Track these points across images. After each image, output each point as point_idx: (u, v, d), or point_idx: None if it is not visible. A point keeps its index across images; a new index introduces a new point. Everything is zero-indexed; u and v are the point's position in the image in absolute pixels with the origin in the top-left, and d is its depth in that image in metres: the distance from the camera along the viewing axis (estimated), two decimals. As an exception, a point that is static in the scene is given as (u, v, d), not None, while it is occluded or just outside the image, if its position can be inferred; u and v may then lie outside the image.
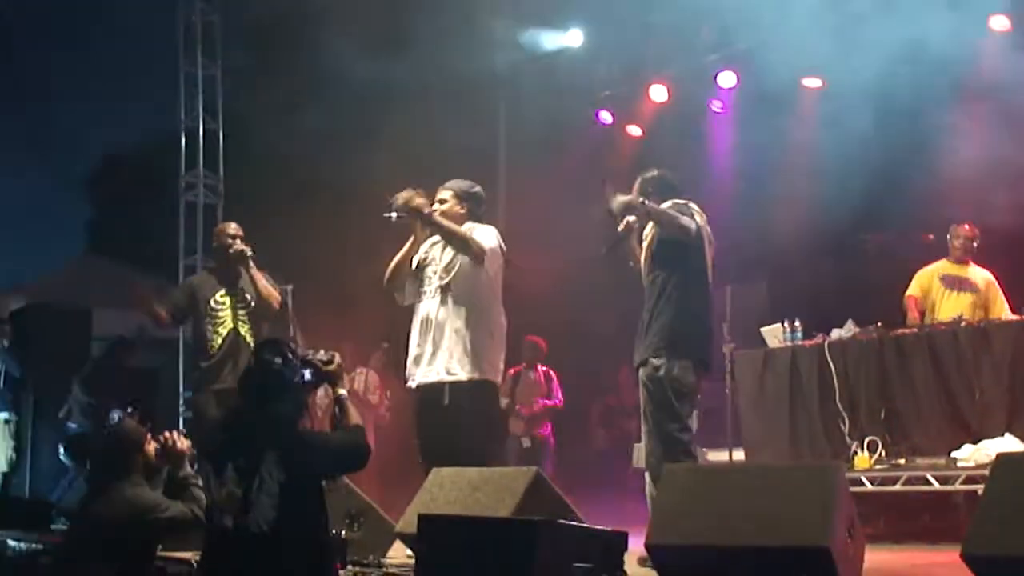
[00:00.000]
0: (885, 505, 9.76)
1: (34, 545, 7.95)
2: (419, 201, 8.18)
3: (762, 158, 14.42)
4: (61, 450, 12.41)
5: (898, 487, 9.11)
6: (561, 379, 14.11)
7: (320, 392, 6.59)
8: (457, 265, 8.26)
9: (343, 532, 7.41)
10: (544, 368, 14.04)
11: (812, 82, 14.23)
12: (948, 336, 9.55)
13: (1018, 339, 9.12)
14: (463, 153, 14.38)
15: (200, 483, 6.80)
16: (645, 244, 8.05)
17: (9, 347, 13.57)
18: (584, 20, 15.75)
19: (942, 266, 10.95)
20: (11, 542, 8.23)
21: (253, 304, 9.58)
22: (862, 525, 5.94)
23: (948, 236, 10.99)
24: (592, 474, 14.07)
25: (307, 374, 5.97)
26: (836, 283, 11.61)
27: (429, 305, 8.31)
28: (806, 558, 5.31)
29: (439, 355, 8.19)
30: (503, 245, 8.37)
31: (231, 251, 9.61)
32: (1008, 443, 8.54)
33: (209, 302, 9.56)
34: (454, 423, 8.06)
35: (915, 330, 10.04)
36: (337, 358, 6.15)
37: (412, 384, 8.36)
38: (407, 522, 7.13)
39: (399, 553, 7.70)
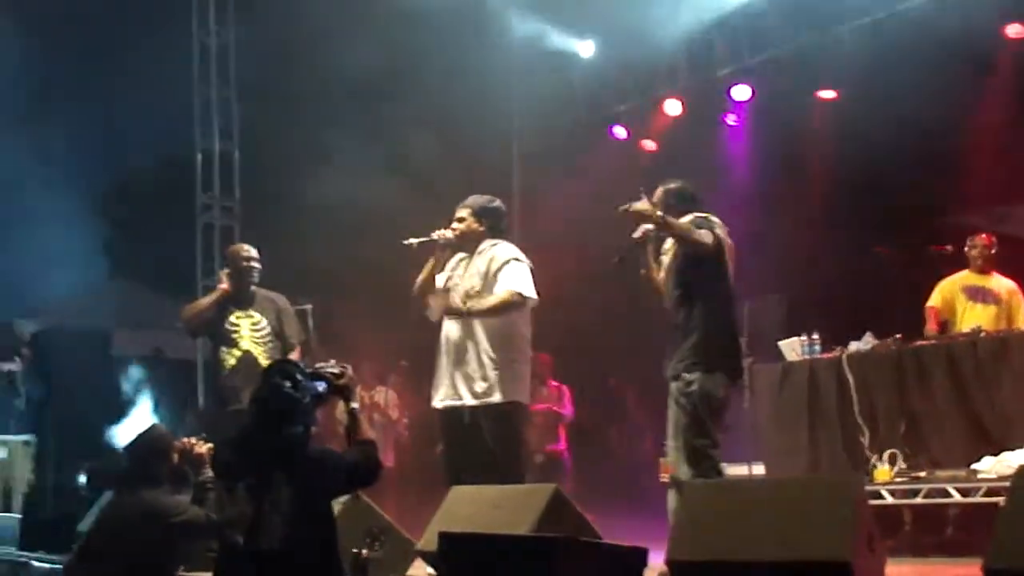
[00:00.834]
0: (906, 517, 9.74)
1: (57, 565, 7.99)
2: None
3: (777, 171, 14.42)
4: (83, 479, 12.44)
5: (919, 500, 9.09)
6: (574, 394, 14.07)
7: (340, 406, 6.60)
8: (481, 287, 8.30)
9: (364, 551, 7.40)
10: (556, 383, 13.99)
11: (827, 94, 14.23)
12: (967, 347, 9.51)
13: (1037, 349, 9.10)
14: (477, 167, 14.41)
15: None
16: (666, 258, 8.03)
17: (30, 369, 13.60)
18: (598, 33, 15.77)
19: (965, 277, 10.90)
20: (35, 563, 8.27)
21: (271, 333, 9.63)
22: (882, 538, 5.92)
23: (966, 247, 10.94)
24: (611, 490, 14.02)
25: (320, 387, 6.00)
26: (853, 296, 11.60)
27: (453, 326, 8.34)
28: (827, 573, 5.30)
29: (464, 377, 8.21)
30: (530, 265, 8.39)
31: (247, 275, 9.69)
32: (1028, 454, 8.52)
33: (224, 323, 9.60)
34: (480, 445, 8.09)
35: (934, 342, 10.00)
36: (349, 371, 6.18)
37: (438, 405, 8.38)
38: (428, 540, 7.13)
39: (420, 571, 7.70)
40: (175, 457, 7.02)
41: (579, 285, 13.95)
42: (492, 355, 8.17)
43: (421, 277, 8.49)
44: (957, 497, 8.87)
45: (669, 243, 7.98)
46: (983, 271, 10.82)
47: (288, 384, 5.76)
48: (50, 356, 14.68)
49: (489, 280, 8.31)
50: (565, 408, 13.93)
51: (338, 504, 6.85)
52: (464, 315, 8.24)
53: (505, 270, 8.28)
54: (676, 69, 15.13)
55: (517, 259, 8.37)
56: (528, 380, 8.46)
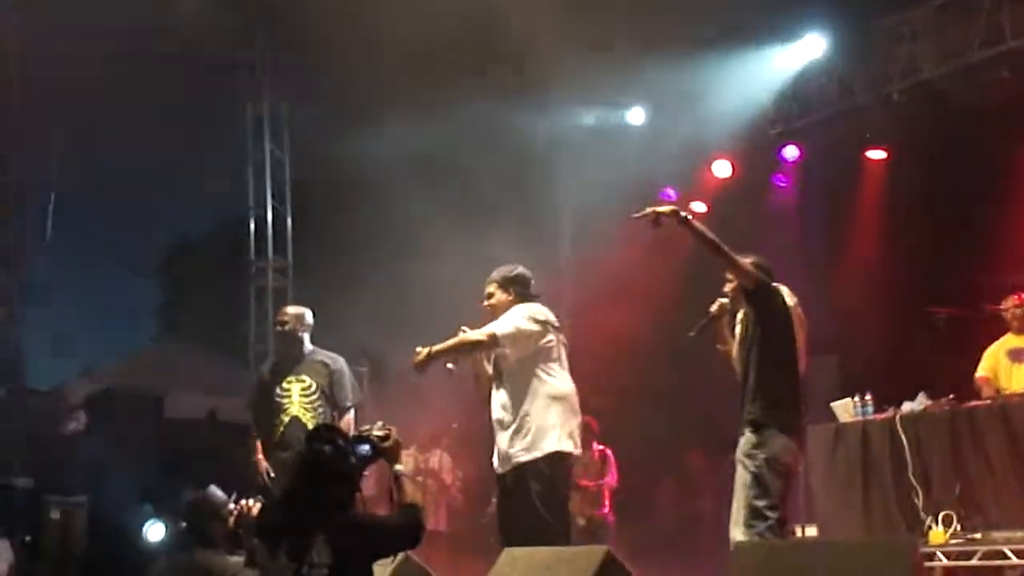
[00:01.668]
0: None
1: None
2: None
3: (828, 231, 14.41)
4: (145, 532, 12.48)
5: (975, 562, 9.00)
6: (620, 457, 14.03)
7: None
8: (507, 355, 8.33)
9: None
10: (600, 447, 13.96)
11: (876, 154, 14.23)
12: (1021, 407, 9.45)
13: (1092, 409, 9.03)
14: (527, 229, 14.46)
15: None
16: (739, 328, 8.04)
17: (85, 432, 13.72)
18: (646, 97, 15.84)
19: (1006, 340, 10.84)
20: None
21: (321, 396, 9.68)
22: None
23: (1002, 309, 10.88)
24: (660, 552, 13.94)
25: (364, 449, 6.06)
26: (906, 356, 11.54)
27: (496, 396, 8.42)
28: (882, 636, 5.27)
29: (506, 445, 8.25)
30: (546, 318, 8.39)
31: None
32: (1085, 515, 8.44)
33: (275, 392, 9.66)
34: (524, 504, 8.09)
35: (988, 402, 9.94)
36: (394, 433, 6.23)
37: (497, 473, 8.44)
38: (479, 603, 7.13)
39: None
40: (230, 520, 7.07)
41: (631, 342, 13.96)
42: (524, 414, 8.21)
43: (469, 362, 8.57)
44: (1014, 559, 8.79)
45: (741, 314, 7.99)
46: (1022, 330, 10.75)
47: (328, 448, 5.83)
48: (103, 419, 14.79)
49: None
50: (610, 475, 13.90)
51: (388, 566, 6.88)
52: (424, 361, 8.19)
53: (504, 317, 8.33)
54: (726, 130, 15.15)
55: (522, 306, 8.40)
56: (569, 427, 8.39)
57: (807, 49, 14.21)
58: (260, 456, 9.72)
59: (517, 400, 8.25)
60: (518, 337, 8.25)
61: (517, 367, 8.28)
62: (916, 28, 13.10)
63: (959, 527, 9.20)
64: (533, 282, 8.67)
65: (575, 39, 13.53)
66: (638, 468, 14.56)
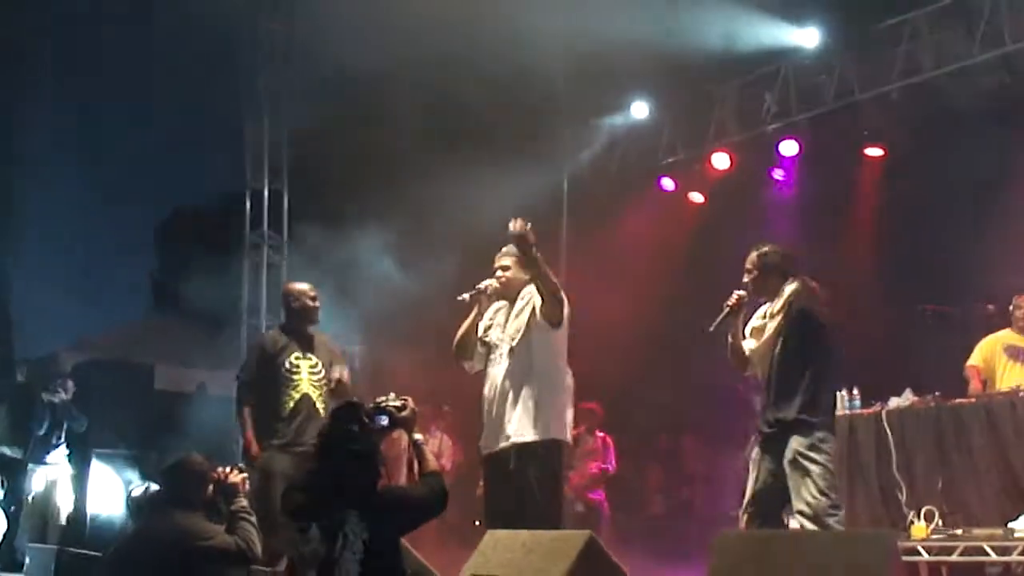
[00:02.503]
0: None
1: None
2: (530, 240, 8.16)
3: (823, 227, 14.44)
4: (125, 509, 12.51)
5: (955, 557, 9.03)
6: (617, 444, 14.10)
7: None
8: (523, 331, 8.24)
9: None
10: (602, 434, 14.02)
11: (874, 151, 14.26)
12: (1006, 406, 9.49)
13: (1077, 409, 9.07)
14: (525, 216, 14.46)
15: (252, 518, 6.98)
16: (772, 323, 8.02)
17: (71, 402, 13.72)
18: (648, 90, 15.85)
19: (1006, 336, 10.86)
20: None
21: (325, 377, 9.72)
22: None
23: (1011, 307, 10.90)
24: (648, 541, 14.00)
25: (382, 420, 6.12)
26: (894, 352, 11.59)
27: (496, 371, 8.31)
28: (858, 626, 5.30)
29: (507, 421, 8.17)
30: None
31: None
32: (1066, 515, 8.49)
33: (284, 364, 9.66)
34: (521, 486, 8.07)
35: (973, 400, 9.98)
36: (410, 403, 6.29)
37: (484, 452, 8.41)
38: (461, 583, 7.16)
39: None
40: (210, 485, 7.11)
41: (626, 332, 14.00)
42: (532, 397, 8.12)
43: (464, 328, 8.51)
44: (993, 556, 8.83)
45: (776, 307, 7.99)
46: None
47: (356, 427, 5.90)
48: (92, 389, 14.79)
49: (530, 316, 8.26)
50: (610, 461, 13.97)
51: None
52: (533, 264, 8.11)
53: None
54: (725, 123, 15.17)
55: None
56: (568, 418, 8.41)
57: (807, 45, 14.21)
58: (251, 434, 9.69)
59: (529, 379, 8.18)
60: (563, 322, 8.26)
61: (536, 350, 8.21)
62: (917, 28, 13.11)
63: (941, 523, 9.24)
64: None
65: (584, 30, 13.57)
66: (631, 454, 14.61)
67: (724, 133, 15.22)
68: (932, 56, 12.91)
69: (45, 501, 13.30)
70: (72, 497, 13.62)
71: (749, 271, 8.06)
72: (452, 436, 15.15)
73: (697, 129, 15.49)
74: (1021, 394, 9.63)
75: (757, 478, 7.93)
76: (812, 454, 7.62)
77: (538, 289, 8.13)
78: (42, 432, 13.37)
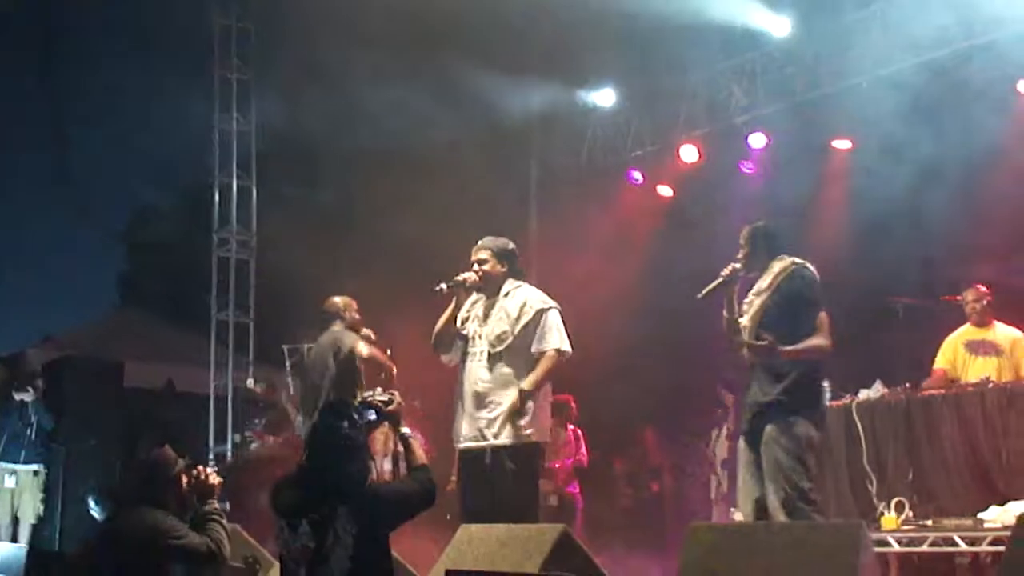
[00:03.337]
0: (912, 566, 9.75)
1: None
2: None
3: (792, 219, 14.47)
4: (92, 502, 12.45)
5: (925, 548, 9.08)
6: (588, 437, 14.10)
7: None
8: (509, 339, 8.31)
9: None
10: (573, 427, 14.02)
11: (842, 143, 14.30)
12: (975, 397, 9.54)
13: (1045, 400, 9.12)
14: (494, 209, 14.46)
15: (224, 520, 6.97)
16: (758, 299, 8.03)
17: (41, 399, 13.63)
18: (617, 80, 15.84)
19: (965, 331, 10.90)
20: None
21: None
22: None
23: (964, 301, 10.94)
24: (621, 533, 14.01)
25: (370, 415, 6.14)
26: (864, 344, 11.61)
27: (476, 368, 8.37)
28: (830, 617, 5.33)
29: (486, 423, 8.24)
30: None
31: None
32: (1035, 505, 8.53)
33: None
34: (498, 487, 8.14)
35: (942, 391, 10.02)
36: (397, 397, 6.31)
37: (459, 446, 8.44)
38: (435, 577, 7.17)
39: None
40: (184, 482, 7.09)
41: (593, 325, 14.00)
42: (513, 400, 8.17)
43: (442, 322, 8.56)
44: (963, 546, 8.88)
45: (764, 284, 7.99)
46: (981, 323, 10.80)
47: (345, 424, 5.91)
48: (62, 386, 14.71)
49: (522, 326, 8.32)
50: (581, 454, 13.97)
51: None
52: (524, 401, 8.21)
53: (545, 323, 8.33)
54: (694, 116, 15.18)
55: (553, 308, 8.42)
56: (547, 421, 8.51)
57: (775, 36, 14.22)
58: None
59: (509, 383, 8.24)
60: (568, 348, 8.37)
61: (522, 359, 8.29)
62: (886, 20, 13.15)
63: (911, 513, 9.30)
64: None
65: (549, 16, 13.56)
66: (602, 447, 14.61)
67: (692, 125, 15.23)
68: (902, 48, 12.93)
69: (16, 500, 13.21)
70: (41, 496, 13.53)
71: (742, 246, 8.06)
72: (422, 431, 15.13)
73: (665, 121, 15.50)
74: (991, 385, 9.68)
75: (744, 472, 7.94)
76: (784, 440, 7.62)
77: None
78: (12, 431, 13.29)
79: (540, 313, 8.34)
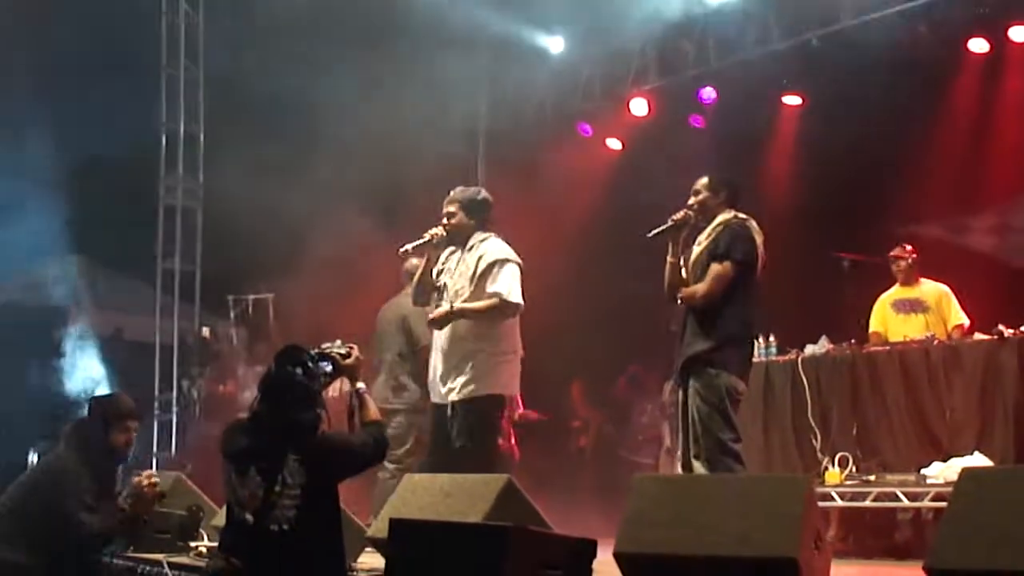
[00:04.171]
0: (855, 520, 9.84)
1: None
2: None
3: (740, 174, 14.47)
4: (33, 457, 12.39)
5: (868, 503, 9.16)
6: (534, 389, 14.11)
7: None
8: (466, 294, 8.39)
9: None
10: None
11: (792, 99, 14.31)
12: (920, 354, 9.61)
13: (989, 358, 9.18)
14: (441, 159, 14.40)
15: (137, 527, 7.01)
16: (698, 248, 8.05)
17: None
18: (567, 31, 15.75)
19: (893, 292, 11.02)
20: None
21: None
22: (831, 540, 5.98)
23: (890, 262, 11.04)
24: (566, 483, 14.05)
25: (326, 367, 6.08)
26: (811, 300, 11.66)
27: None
28: (774, 569, 5.34)
29: (451, 375, 8.35)
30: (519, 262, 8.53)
31: None
32: (977, 461, 8.61)
33: None
34: (458, 441, 8.26)
35: (887, 347, 10.10)
36: (355, 351, 6.26)
37: (433, 401, 8.60)
38: (378, 527, 7.16)
39: (371, 559, 7.70)
40: (132, 433, 7.08)
41: (540, 276, 13.99)
42: (474, 354, 8.32)
43: (417, 276, 8.70)
44: (905, 502, 8.96)
45: (704, 236, 8.00)
46: (908, 282, 10.92)
47: (299, 370, 5.86)
48: (5, 334, 14.61)
49: (476, 280, 8.39)
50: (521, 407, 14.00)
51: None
52: (447, 319, 8.35)
53: (495, 272, 8.38)
54: (644, 69, 15.13)
55: (507, 259, 8.47)
56: (511, 376, 8.56)
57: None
58: None
59: (467, 338, 8.36)
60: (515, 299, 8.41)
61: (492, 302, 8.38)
62: (837, -24, 13.15)
63: (855, 469, 9.38)
64: (492, 210, 8.79)
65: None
66: (546, 400, 14.60)
67: (643, 79, 15.18)
68: (851, 5, 12.93)
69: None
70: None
71: (696, 192, 8.06)
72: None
73: (616, 75, 15.44)
74: (935, 343, 9.75)
75: (677, 425, 8.00)
76: (705, 392, 7.70)
77: None
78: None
79: (494, 265, 8.39)
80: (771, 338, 10.41)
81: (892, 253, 10.95)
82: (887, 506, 9.19)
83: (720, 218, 7.98)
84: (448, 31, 14.03)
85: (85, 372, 14.94)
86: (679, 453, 8.17)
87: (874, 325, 10.94)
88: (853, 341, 10.24)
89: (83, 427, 7.17)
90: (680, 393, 7.99)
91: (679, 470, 8.22)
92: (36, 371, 14.96)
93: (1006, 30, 12.41)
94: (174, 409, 15.71)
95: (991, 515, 4.79)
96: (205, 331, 16.23)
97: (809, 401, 9.90)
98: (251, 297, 16.29)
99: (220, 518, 7.33)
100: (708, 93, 14.67)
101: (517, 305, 8.37)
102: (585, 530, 6.18)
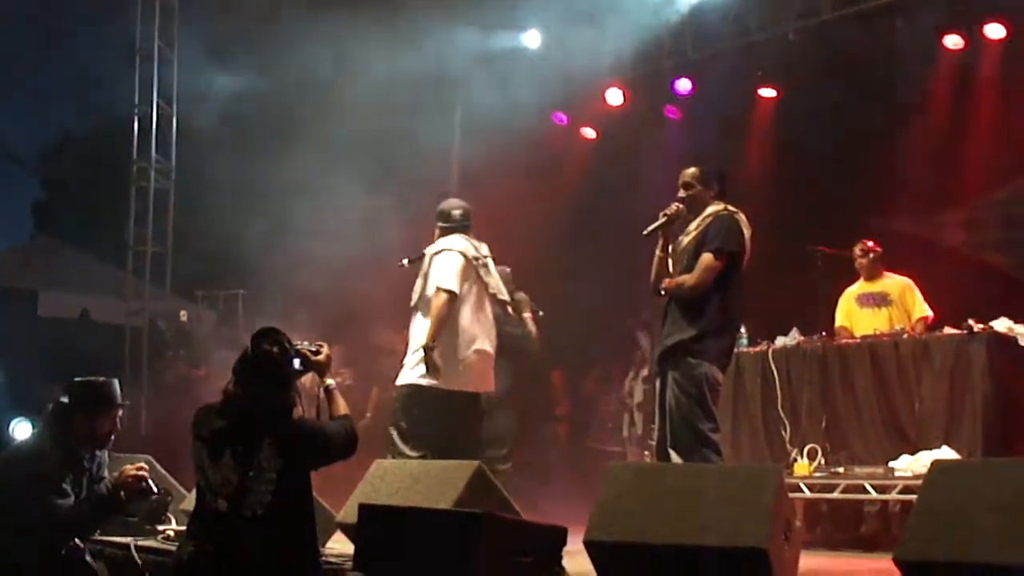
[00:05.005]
0: (823, 512, 9.87)
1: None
2: None
3: (720, 166, 14.48)
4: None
5: (836, 495, 9.19)
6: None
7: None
8: (418, 292, 8.95)
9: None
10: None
11: (767, 92, 14.33)
12: (889, 347, 9.63)
13: (958, 352, 9.19)
14: (417, 151, 14.39)
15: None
16: (685, 239, 8.07)
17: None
18: (542, 21, 15.72)
19: (858, 286, 11.04)
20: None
21: None
22: (800, 531, 6.00)
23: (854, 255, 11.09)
24: (537, 473, 14.06)
25: (295, 363, 6.06)
26: (783, 292, 11.68)
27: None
28: (743, 559, 5.35)
29: (407, 363, 8.89)
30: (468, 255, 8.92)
31: None
32: (945, 454, 8.63)
33: None
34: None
35: (858, 340, 10.12)
36: (325, 349, 6.25)
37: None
38: (348, 512, 7.16)
39: (340, 545, 7.69)
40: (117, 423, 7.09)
41: (517, 267, 14.00)
42: (417, 341, 8.82)
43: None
44: (874, 494, 8.99)
45: (693, 226, 8.01)
46: (872, 277, 10.95)
47: (276, 349, 5.86)
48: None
49: (423, 277, 9.01)
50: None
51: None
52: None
53: (432, 266, 8.90)
54: (620, 59, 15.10)
55: (444, 251, 8.96)
56: (456, 366, 8.86)
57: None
58: None
59: (419, 333, 8.84)
60: (460, 280, 8.88)
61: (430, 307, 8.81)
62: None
63: (823, 461, 9.40)
64: (456, 212, 9.25)
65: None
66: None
67: (619, 69, 15.16)
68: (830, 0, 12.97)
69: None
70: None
71: (687, 185, 8.08)
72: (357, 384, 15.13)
73: (591, 64, 15.41)
74: (905, 336, 9.77)
75: (654, 412, 8.02)
76: (684, 382, 7.74)
77: None
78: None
79: (430, 259, 8.95)
80: (742, 329, 10.41)
81: (855, 248, 10.99)
82: (855, 498, 9.21)
83: (710, 209, 8.01)
84: (425, 25, 14.02)
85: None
86: (653, 442, 8.17)
87: (840, 320, 10.97)
88: (824, 333, 10.26)
89: (67, 411, 7.11)
90: (658, 382, 8.00)
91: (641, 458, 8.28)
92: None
93: (981, 27, 12.47)
94: (144, 391, 15.64)
95: (960, 508, 4.82)
96: (183, 314, 16.18)
97: (779, 393, 9.91)
98: (222, 294, 16.29)
99: (189, 502, 7.31)
100: (683, 85, 14.67)
101: (444, 292, 8.81)
102: (555, 517, 6.19)
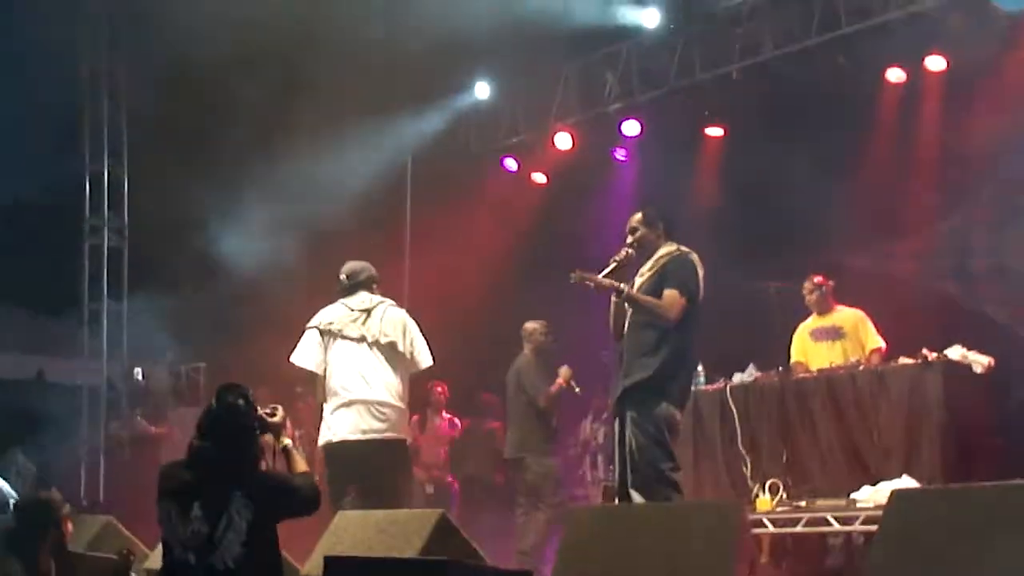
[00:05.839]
0: (788, 547, 9.89)
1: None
2: None
3: (665, 207, 14.56)
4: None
5: (799, 528, 9.21)
6: (463, 424, 14.15)
7: None
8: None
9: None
10: (449, 415, 14.04)
11: (714, 131, 14.45)
12: (846, 380, 9.69)
13: (914, 381, 9.26)
14: (368, 197, 14.40)
15: None
16: (638, 282, 8.10)
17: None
18: (491, 69, 15.78)
19: (811, 321, 11.09)
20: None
21: None
22: (764, 566, 6.03)
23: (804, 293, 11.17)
24: (499, 518, 14.02)
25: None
26: (738, 329, 11.74)
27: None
28: (708, 596, 5.38)
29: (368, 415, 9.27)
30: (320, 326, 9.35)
31: None
32: (905, 483, 8.67)
33: None
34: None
35: (814, 374, 10.18)
36: (280, 410, 6.25)
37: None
38: (313, 564, 7.14)
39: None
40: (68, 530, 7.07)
41: (468, 313, 14.02)
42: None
43: None
44: (837, 526, 9.01)
45: (647, 267, 8.06)
46: (823, 311, 11.01)
47: (241, 402, 5.87)
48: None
49: (403, 341, 9.26)
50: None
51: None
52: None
53: (416, 342, 9.35)
54: (567, 103, 15.19)
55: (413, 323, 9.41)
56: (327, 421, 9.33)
57: (648, 25, 14.27)
58: None
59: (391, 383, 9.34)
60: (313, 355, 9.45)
61: None
62: (756, 9, 13.29)
63: (785, 495, 9.41)
64: (341, 276, 9.48)
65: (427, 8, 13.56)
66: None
67: (566, 113, 15.25)
68: (771, 37, 13.10)
69: None
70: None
71: (633, 230, 8.13)
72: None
73: (539, 109, 15.50)
74: (861, 368, 9.84)
75: (614, 453, 8.05)
76: (642, 422, 7.78)
77: None
78: None
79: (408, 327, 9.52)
80: (699, 368, 10.45)
81: (804, 285, 11.05)
82: (819, 531, 9.25)
83: (663, 250, 8.07)
84: (374, 74, 14.07)
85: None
86: (614, 483, 8.19)
87: (795, 355, 11.02)
88: (781, 368, 10.32)
89: (16, 537, 7.08)
90: (616, 423, 8.03)
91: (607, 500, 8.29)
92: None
93: (922, 60, 12.61)
94: (102, 452, 15.54)
95: (921, 535, 4.86)
96: (138, 371, 16.11)
97: (739, 429, 9.94)
98: (183, 367, 16.24)
99: (152, 560, 7.27)
100: (631, 127, 14.74)
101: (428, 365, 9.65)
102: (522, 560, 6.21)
